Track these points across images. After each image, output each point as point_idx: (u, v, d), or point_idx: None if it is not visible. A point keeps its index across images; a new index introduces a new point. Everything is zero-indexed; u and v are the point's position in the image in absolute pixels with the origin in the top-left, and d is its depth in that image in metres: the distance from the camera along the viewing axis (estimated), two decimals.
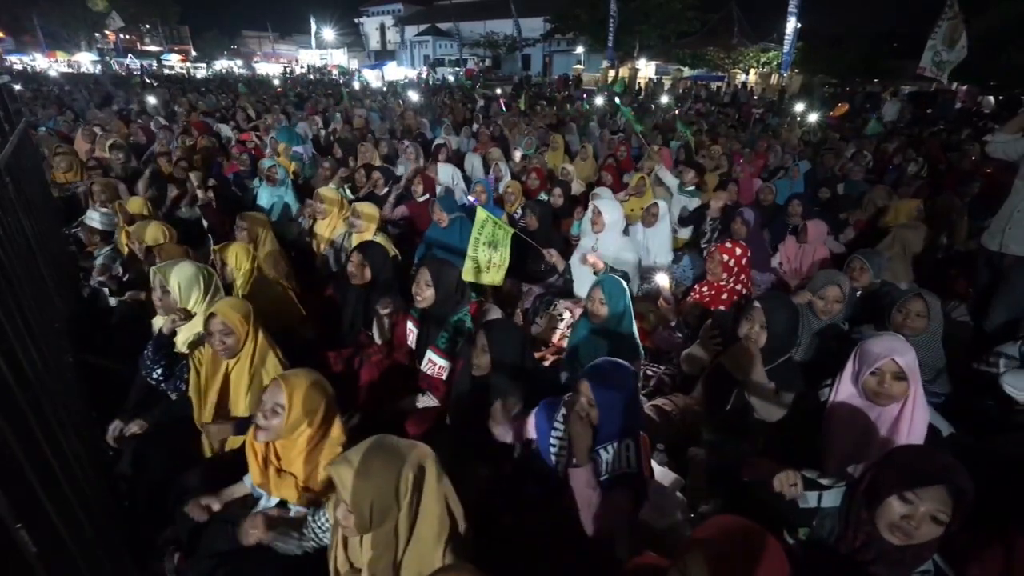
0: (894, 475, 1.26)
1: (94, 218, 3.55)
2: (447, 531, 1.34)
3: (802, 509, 1.48)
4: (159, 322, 2.34)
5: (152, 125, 7.69)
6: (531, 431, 1.92)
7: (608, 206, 3.47)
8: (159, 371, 2.12)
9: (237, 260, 2.77)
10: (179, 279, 2.26)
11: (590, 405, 1.64)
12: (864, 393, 1.80)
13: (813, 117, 10.30)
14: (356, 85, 21.67)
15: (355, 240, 3.48)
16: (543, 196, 4.90)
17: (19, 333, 1.38)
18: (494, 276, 3.33)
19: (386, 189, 4.76)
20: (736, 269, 3.12)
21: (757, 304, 2.18)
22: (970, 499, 1.18)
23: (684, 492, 2.04)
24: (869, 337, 1.85)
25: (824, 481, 1.53)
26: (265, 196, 4.61)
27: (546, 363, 2.93)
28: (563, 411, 1.79)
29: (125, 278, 3.21)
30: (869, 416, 1.80)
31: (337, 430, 1.72)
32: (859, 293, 3.03)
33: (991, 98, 16.74)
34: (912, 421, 1.74)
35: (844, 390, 1.86)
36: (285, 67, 37.64)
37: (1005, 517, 1.51)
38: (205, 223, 4.21)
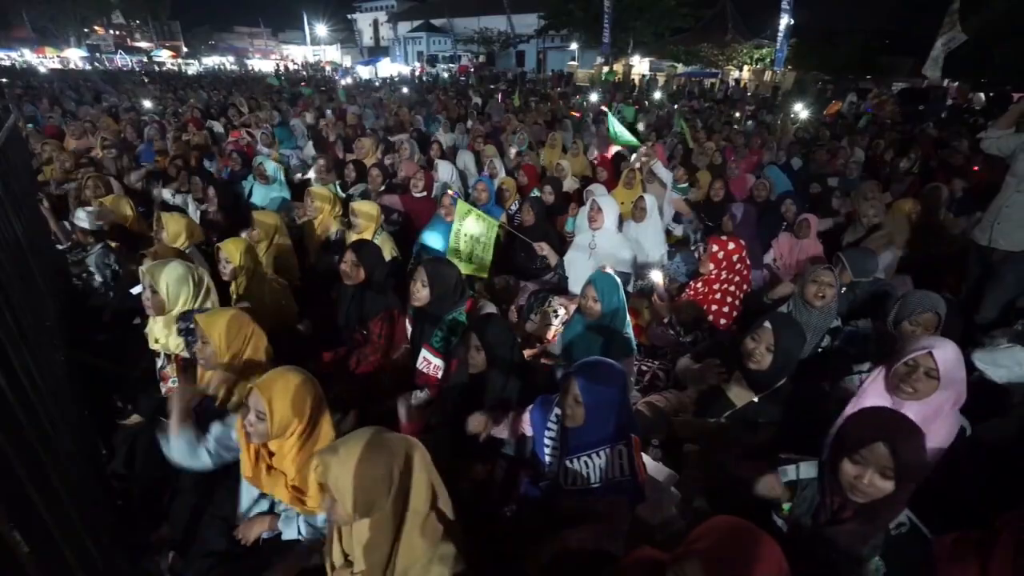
0: (843, 439, 1.38)
1: (81, 218, 3.51)
2: (435, 521, 1.35)
3: (784, 483, 1.53)
4: (154, 326, 2.33)
5: (142, 122, 7.62)
6: (527, 427, 1.92)
7: (609, 204, 3.47)
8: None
9: (240, 256, 2.72)
10: (168, 280, 2.23)
11: (576, 403, 1.62)
12: (890, 384, 1.77)
13: (805, 114, 10.32)
14: (349, 80, 21.52)
15: (352, 239, 3.46)
16: (535, 193, 4.89)
17: (10, 331, 1.37)
18: (478, 267, 3.33)
19: (383, 188, 4.74)
20: (726, 263, 3.10)
21: (767, 324, 2.05)
22: (912, 453, 1.26)
23: (679, 487, 2.05)
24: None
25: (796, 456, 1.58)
26: (259, 194, 4.56)
27: (542, 360, 2.93)
28: (556, 411, 1.78)
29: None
30: None
31: (327, 428, 1.70)
32: (843, 289, 3.04)
33: (982, 95, 16.84)
34: (938, 433, 1.70)
35: (874, 384, 1.85)
36: (278, 64, 37.34)
37: (992, 505, 1.52)
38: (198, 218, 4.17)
